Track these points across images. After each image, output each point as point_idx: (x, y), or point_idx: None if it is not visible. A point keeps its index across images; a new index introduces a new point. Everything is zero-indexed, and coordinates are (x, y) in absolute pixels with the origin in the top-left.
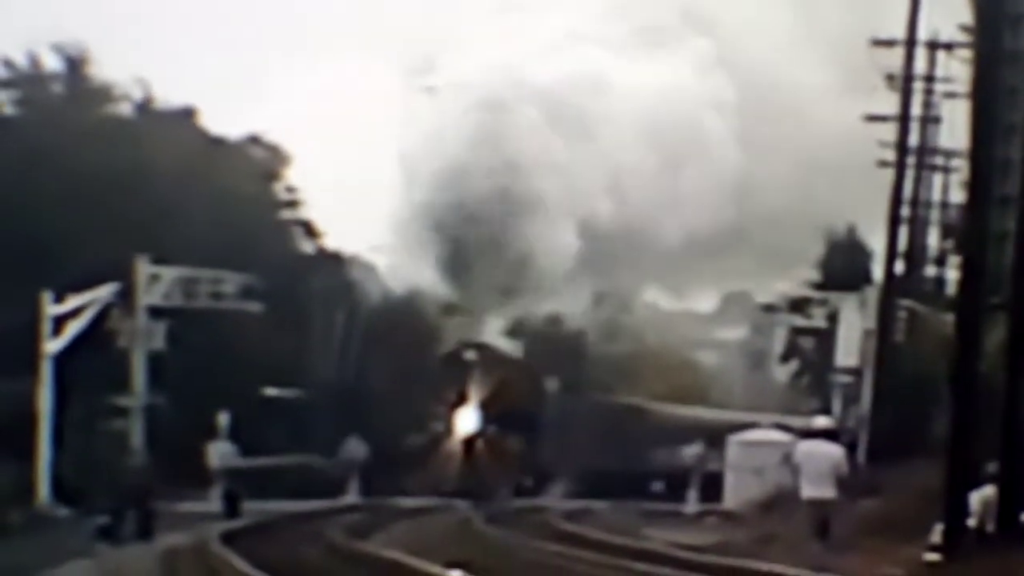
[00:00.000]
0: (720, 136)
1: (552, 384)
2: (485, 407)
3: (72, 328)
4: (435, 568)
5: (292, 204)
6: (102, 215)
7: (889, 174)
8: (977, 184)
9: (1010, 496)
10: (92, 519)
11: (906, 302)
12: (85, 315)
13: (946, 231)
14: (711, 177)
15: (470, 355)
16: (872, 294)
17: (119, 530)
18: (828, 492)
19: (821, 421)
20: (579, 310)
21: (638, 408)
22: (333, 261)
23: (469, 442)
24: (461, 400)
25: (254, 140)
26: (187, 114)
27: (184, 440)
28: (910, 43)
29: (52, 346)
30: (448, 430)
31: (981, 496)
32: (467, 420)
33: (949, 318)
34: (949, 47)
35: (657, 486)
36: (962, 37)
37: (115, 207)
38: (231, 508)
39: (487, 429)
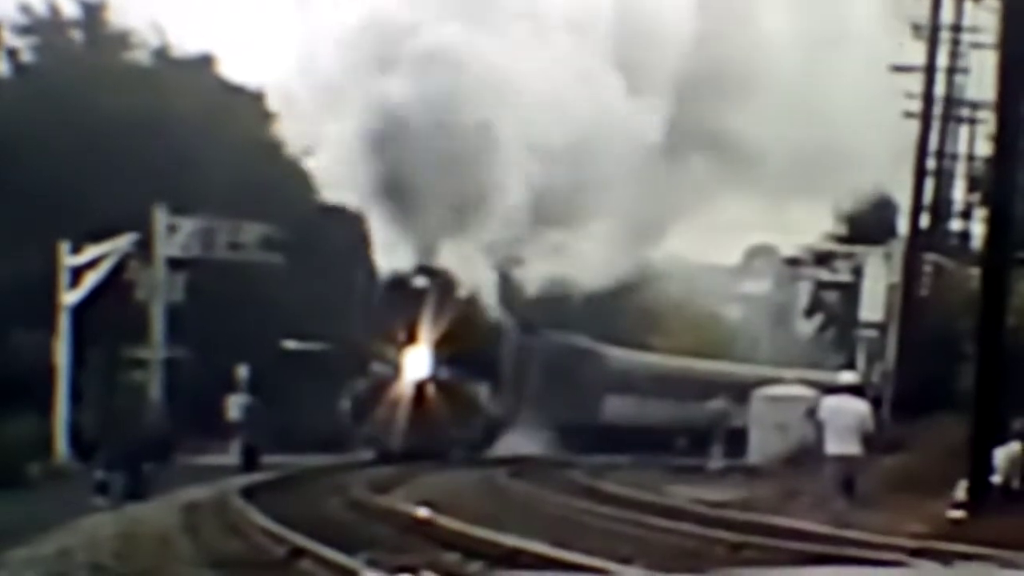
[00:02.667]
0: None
1: (508, 322)
2: (438, 346)
3: (90, 279)
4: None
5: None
6: (120, 164)
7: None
8: (1004, 136)
9: None
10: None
11: (932, 256)
12: (103, 266)
13: (972, 184)
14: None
15: (421, 282)
16: (897, 248)
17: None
18: (853, 448)
19: (847, 376)
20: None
21: (591, 352)
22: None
23: (420, 388)
24: (411, 338)
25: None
26: (205, 61)
27: (203, 393)
28: None
29: (70, 297)
30: (395, 374)
31: (1006, 453)
32: (418, 362)
33: (975, 272)
34: None
35: (681, 442)
36: None
37: (133, 156)
38: (250, 461)
39: (440, 372)
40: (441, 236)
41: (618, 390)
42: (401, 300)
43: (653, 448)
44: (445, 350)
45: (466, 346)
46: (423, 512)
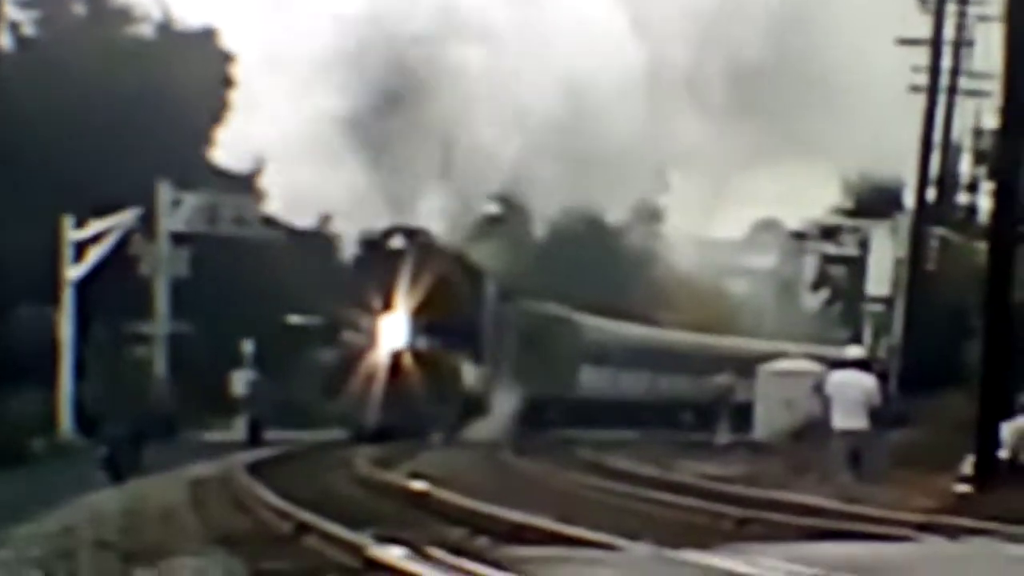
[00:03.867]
0: None
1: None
2: (416, 314)
3: (94, 254)
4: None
5: None
6: (123, 138)
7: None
8: (1010, 109)
9: None
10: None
11: (938, 230)
12: (107, 241)
13: (978, 157)
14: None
15: (398, 243)
16: (904, 221)
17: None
18: (860, 423)
19: (853, 351)
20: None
21: (567, 320)
22: None
23: (396, 359)
24: (386, 304)
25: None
26: (208, 35)
27: (208, 368)
28: None
29: (73, 272)
30: (369, 344)
31: (1013, 427)
32: (395, 330)
33: (982, 246)
34: None
35: (686, 416)
36: None
37: (137, 130)
38: (255, 437)
39: (417, 342)
40: (419, 189)
41: (594, 361)
42: (375, 263)
43: (630, 423)
44: (423, 317)
45: (446, 313)
46: (420, 485)
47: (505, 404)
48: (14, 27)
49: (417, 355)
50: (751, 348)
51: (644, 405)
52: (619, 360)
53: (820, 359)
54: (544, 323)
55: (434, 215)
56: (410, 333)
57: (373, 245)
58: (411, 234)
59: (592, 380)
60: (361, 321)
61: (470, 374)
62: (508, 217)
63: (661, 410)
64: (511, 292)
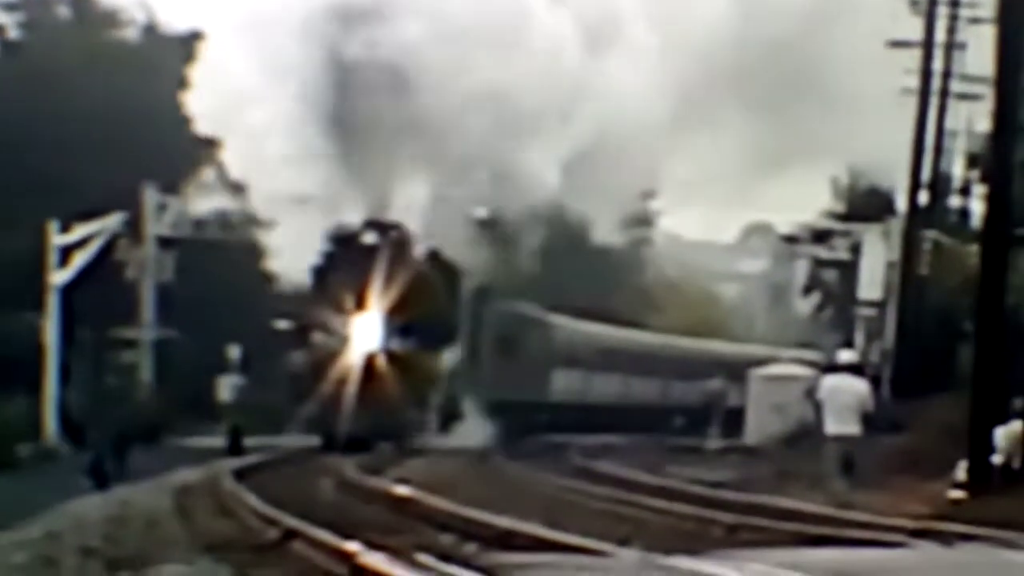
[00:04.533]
0: None
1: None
2: (391, 313)
3: (79, 259)
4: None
5: None
6: (108, 142)
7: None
8: (1003, 112)
9: None
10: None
11: (930, 233)
12: (92, 245)
13: (971, 160)
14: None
15: (371, 238)
16: (896, 225)
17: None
18: (853, 428)
19: (846, 355)
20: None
21: (538, 321)
22: None
23: (370, 362)
24: (359, 303)
25: None
26: (193, 38)
27: (194, 373)
28: None
29: (59, 277)
30: (341, 345)
31: (1007, 432)
32: (369, 331)
33: (974, 250)
34: None
35: (678, 421)
36: None
37: (121, 133)
38: (235, 444)
39: (392, 343)
40: (394, 181)
41: (565, 364)
42: (348, 259)
43: (617, 427)
44: (399, 318)
45: (422, 313)
46: (404, 491)
47: (481, 408)
48: None
49: (392, 357)
50: (737, 352)
51: (632, 409)
52: (597, 363)
53: (812, 364)
54: (518, 324)
55: (414, 212)
56: (384, 334)
57: (344, 240)
58: (385, 228)
59: (569, 383)
60: (332, 322)
61: (447, 377)
62: (497, 222)
63: (650, 414)
64: (487, 291)
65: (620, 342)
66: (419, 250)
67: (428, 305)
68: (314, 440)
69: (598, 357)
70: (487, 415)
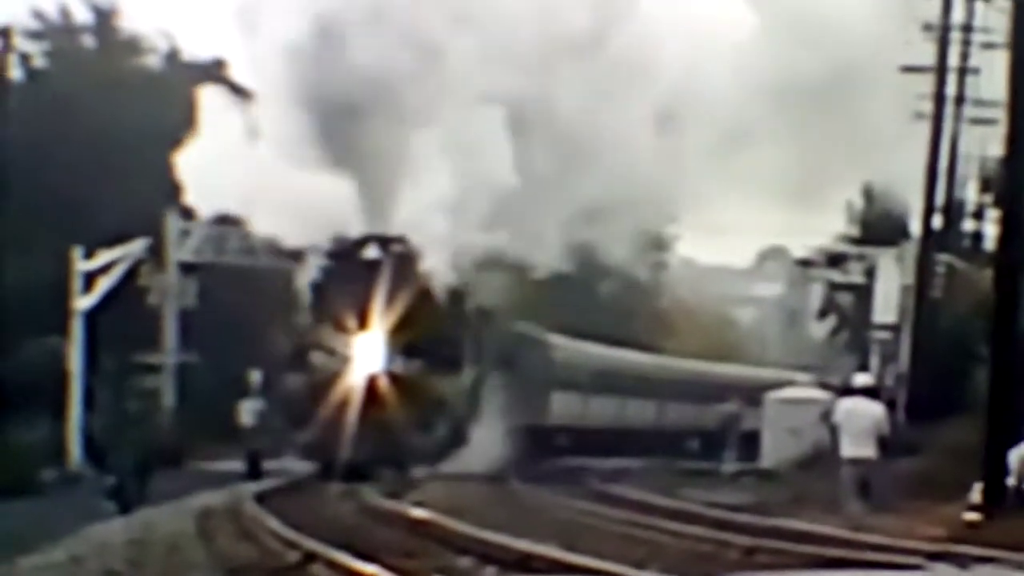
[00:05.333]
0: None
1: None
2: (394, 333)
3: (102, 284)
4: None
5: None
6: (131, 168)
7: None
8: (1016, 136)
9: None
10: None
11: (944, 257)
12: (115, 271)
13: (984, 185)
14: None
15: (373, 253)
16: (910, 249)
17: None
18: (869, 451)
19: (862, 379)
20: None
21: (533, 339)
22: None
23: (372, 384)
24: (361, 322)
25: None
26: (216, 66)
27: (215, 398)
28: None
29: (82, 303)
30: (341, 366)
31: (1020, 454)
32: (371, 351)
33: (988, 273)
34: None
35: (692, 444)
36: None
37: (144, 160)
38: (255, 468)
39: (395, 364)
40: (397, 192)
41: (563, 385)
42: (348, 276)
43: (633, 451)
44: (402, 337)
45: (426, 332)
46: (421, 513)
47: (486, 432)
48: (24, 59)
49: (395, 379)
50: (750, 376)
51: (647, 432)
52: (594, 385)
53: (827, 387)
54: (519, 344)
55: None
56: (387, 355)
57: (344, 255)
58: (387, 243)
59: (568, 404)
60: (332, 342)
61: (453, 400)
62: (511, 247)
63: (665, 437)
64: (489, 311)
65: (618, 363)
66: (423, 265)
67: (433, 324)
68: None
69: (596, 378)
70: (497, 439)
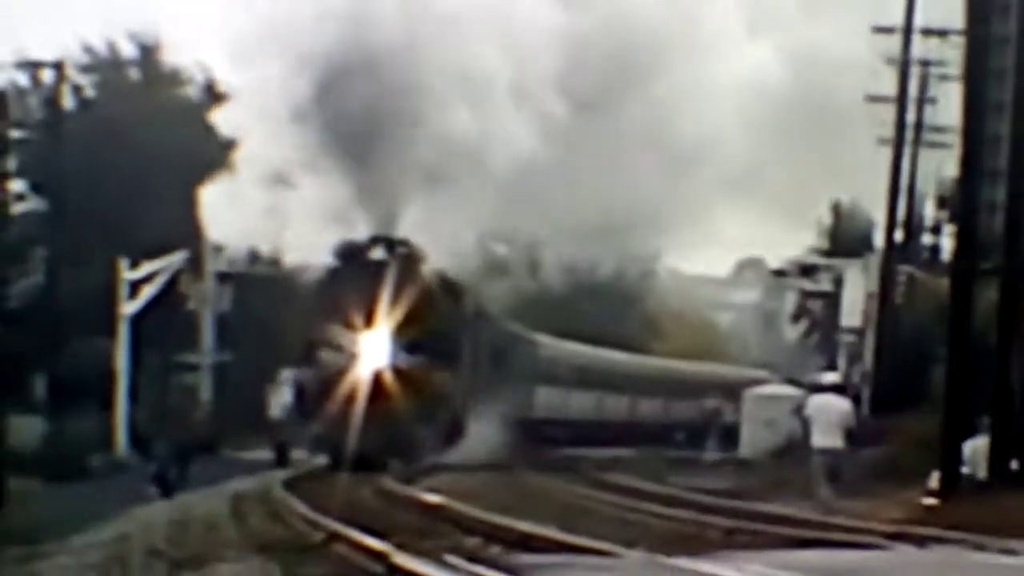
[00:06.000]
0: None
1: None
2: (399, 330)
3: (146, 292)
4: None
5: None
6: (172, 188)
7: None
8: (969, 159)
9: (1000, 446)
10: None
11: (905, 267)
12: (158, 280)
13: (941, 202)
14: None
15: (379, 255)
16: (874, 260)
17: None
18: (837, 442)
19: (830, 377)
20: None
21: (522, 338)
22: None
23: (377, 378)
24: (367, 319)
25: None
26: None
27: (247, 394)
28: (907, 31)
29: (128, 308)
30: (349, 362)
31: (974, 445)
32: (377, 348)
33: (944, 282)
34: (943, 33)
35: (679, 436)
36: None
37: (184, 180)
38: (282, 457)
39: (400, 360)
40: (403, 197)
41: (548, 381)
42: (355, 276)
43: (623, 442)
44: (406, 334)
45: (429, 329)
46: (436, 499)
47: (481, 424)
48: (76, 89)
49: (400, 374)
50: (723, 373)
51: (635, 425)
52: (575, 380)
53: (799, 384)
54: (508, 340)
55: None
56: (392, 350)
57: (351, 256)
58: (394, 244)
59: (554, 400)
60: (339, 338)
61: (454, 394)
62: (514, 257)
63: (652, 429)
64: (484, 310)
65: (591, 360)
66: (427, 266)
67: (435, 322)
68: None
69: (576, 374)
70: (498, 429)
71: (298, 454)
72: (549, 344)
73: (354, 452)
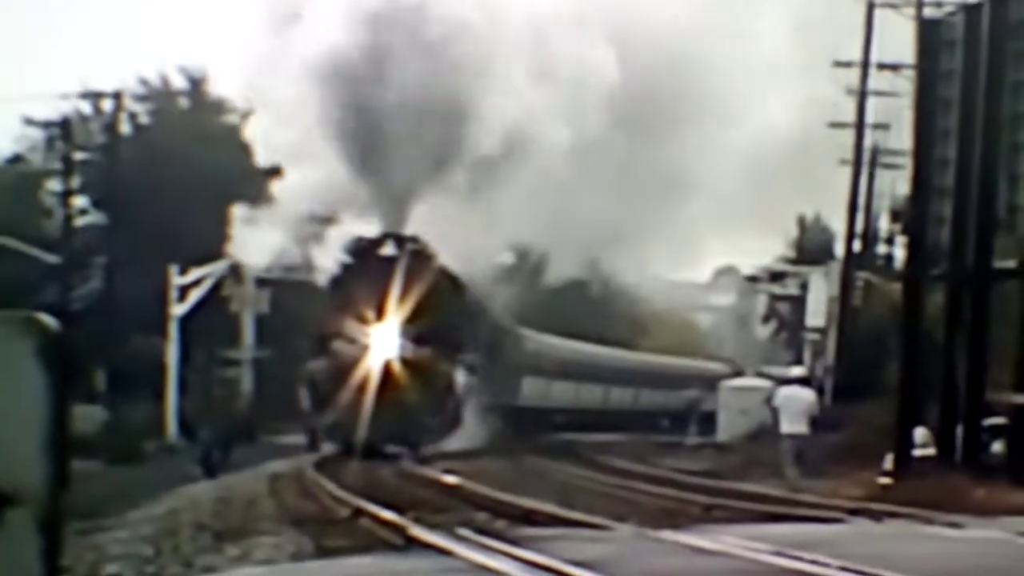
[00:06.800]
0: None
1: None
2: (409, 322)
3: (194, 295)
4: (454, 479)
5: None
6: (217, 202)
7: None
8: (919, 178)
9: (947, 430)
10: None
11: (863, 274)
12: (204, 285)
13: (894, 216)
14: None
15: (390, 250)
16: (835, 267)
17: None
18: (802, 428)
19: (796, 370)
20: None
21: (511, 331)
22: None
23: (388, 369)
24: (378, 312)
25: None
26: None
27: (283, 386)
28: (864, 64)
29: (178, 310)
30: (360, 353)
31: (923, 431)
32: (387, 339)
33: (897, 287)
34: (896, 67)
35: (663, 422)
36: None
37: (227, 196)
38: (313, 442)
39: (409, 351)
40: (414, 194)
41: (532, 372)
42: (367, 271)
43: (614, 427)
44: (415, 326)
45: (436, 322)
46: (451, 479)
47: (474, 412)
48: (132, 117)
49: (409, 364)
50: (688, 366)
51: (626, 412)
52: (558, 371)
53: (769, 377)
54: (499, 333)
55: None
56: (402, 342)
57: (363, 252)
58: (404, 240)
59: (535, 388)
60: (351, 330)
61: (457, 384)
62: (521, 266)
63: (641, 417)
64: (482, 304)
65: (575, 354)
66: (435, 261)
67: (441, 315)
68: None
69: (558, 366)
70: (492, 419)
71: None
72: (533, 338)
73: (365, 440)
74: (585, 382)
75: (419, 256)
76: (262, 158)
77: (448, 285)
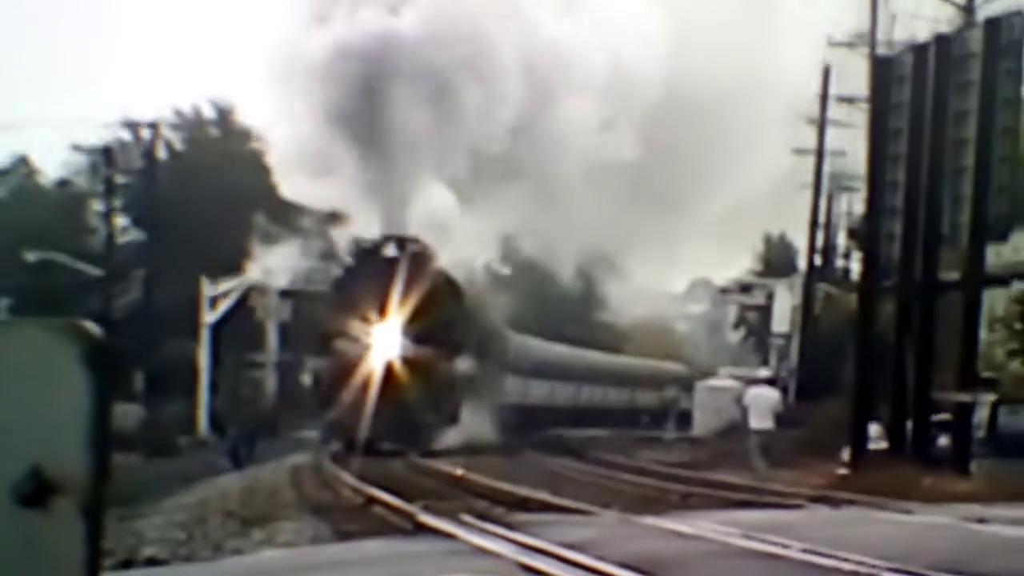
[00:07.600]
0: None
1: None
2: (410, 322)
3: (223, 305)
4: (470, 474)
5: None
6: (245, 220)
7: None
8: (873, 199)
9: (897, 426)
10: (233, 444)
11: (823, 285)
12: (233, 295)
13: (851, 234)
14: None
15: (391, 251)
16: (798, 280)
17: (245, 453)
18: (768, 424)
19: (763, 372)
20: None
21: (497, 331)
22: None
23: (389, 368)
24: (380, 312)
25: None
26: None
27: (303, 387)
28: (823, 97)
29: (209, 318)
30: (362, 352)
31: (877, 427)
32: (389, 339)
33: (853, 297)
34: (852, 100)
35: (644, 419)
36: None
37: (253, 214)
38: (325, 438)
39: (410, 350)
40: (415, 191)
41: (513, 370)
42: (369, 271)
43: (598, 424)
44: (416, 326)
45: (436, 322)
46: (459, 471)
47: (467, 410)
48: (168, 143)
49: (410, 364)
50: (652, 366)
51: (609, 410)
52: (536, 371)
53: (739, 378)
54: (489, 335)
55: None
56: (403, 342)
57: (366, 253)
58: (405, 242)
59: (516, 388)
60: (354, 330)
61: (456, 382)
62: (516, 275)
63: (624, 414)
64: (478, 306)
65: (553, 355)
66: (435, 262)
67: (440, 315)
68: None
69: (537, 365)
70: (488, 415)
71: None
72: (516, 338)
73: (367, 438)
74: (558, 381)
75: (420, 257)
76: (283, 183)
77: (447, 286)
